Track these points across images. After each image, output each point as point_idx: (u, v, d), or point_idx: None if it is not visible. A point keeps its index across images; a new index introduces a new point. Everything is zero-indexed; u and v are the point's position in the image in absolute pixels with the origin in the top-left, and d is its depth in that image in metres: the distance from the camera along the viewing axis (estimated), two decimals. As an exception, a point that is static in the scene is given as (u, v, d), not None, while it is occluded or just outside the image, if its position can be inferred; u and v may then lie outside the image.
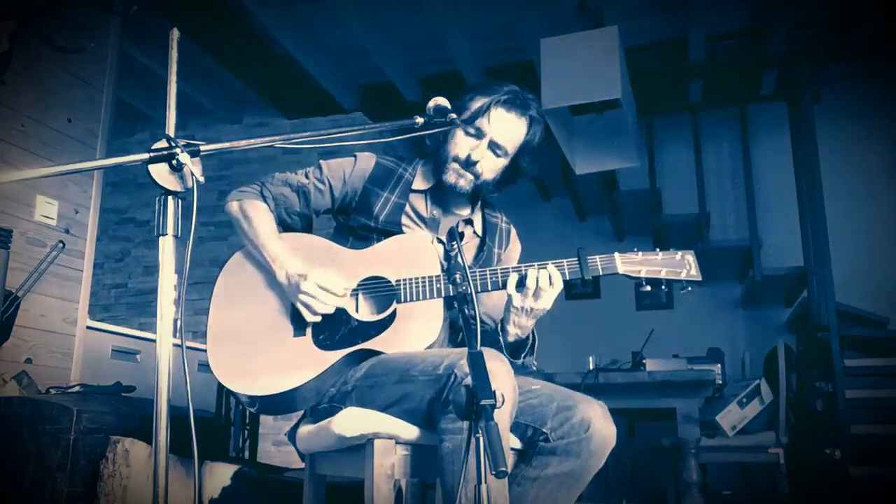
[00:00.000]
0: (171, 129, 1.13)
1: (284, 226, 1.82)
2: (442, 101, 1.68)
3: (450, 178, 1.77)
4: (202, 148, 1.12)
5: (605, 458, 1.58)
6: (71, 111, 3.06)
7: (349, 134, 1.41)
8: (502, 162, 1.79)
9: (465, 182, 1.77)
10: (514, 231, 1.99)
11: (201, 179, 1.10)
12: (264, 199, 1.80)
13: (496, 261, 1.91)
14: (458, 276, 1.45)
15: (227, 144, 1.20)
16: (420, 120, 1.65)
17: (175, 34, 1.17)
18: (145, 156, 1.08)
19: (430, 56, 4.78)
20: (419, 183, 1.84)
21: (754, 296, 5.40)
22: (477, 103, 1.75)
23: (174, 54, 1.16)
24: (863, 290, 4.70)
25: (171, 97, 1.15)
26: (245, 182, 1.86)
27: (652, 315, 5.72)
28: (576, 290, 5.94)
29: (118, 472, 2.06)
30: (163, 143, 1.09)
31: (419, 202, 1.82)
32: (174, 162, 1.09)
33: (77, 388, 2.49)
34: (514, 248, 1.97)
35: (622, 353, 4.09)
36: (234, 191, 1.82)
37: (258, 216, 1.75)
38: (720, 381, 3.87)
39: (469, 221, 1.86)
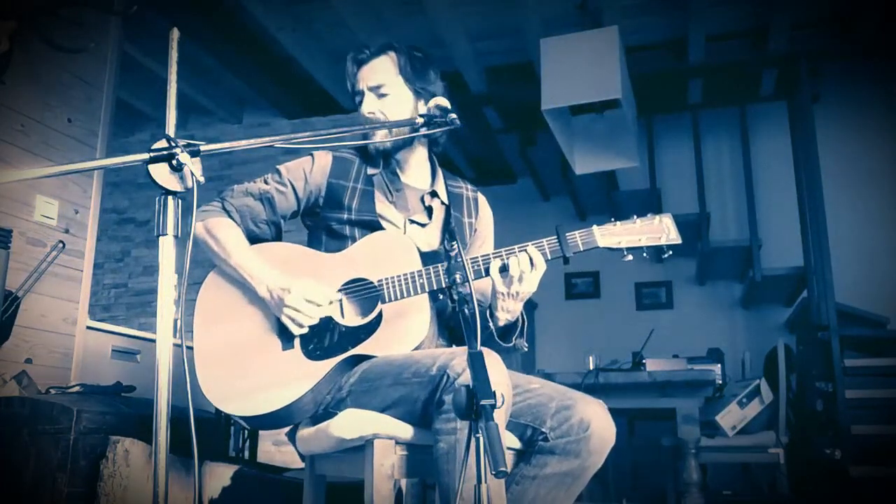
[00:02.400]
0: (171, 129, 1.13)
1: (253, 236, 1.79)
2: (442, 100, 1.69)
3: (372, 144, 1.81)
4: (202, 148, 1.12)
5: (605, 457, 1.58)
6: (71, 111, 3.05)
7: (349, 134, 1.42)
8: (392, 101, 1.80)
9: (377, 135, 1.80)
10: (482, 197, 1.98)
11: (201, 179, 1.10)
12: (228, 213, 1.77)
13: (469, 231, 1.90)
14: (458, 275, 1.45)
15: (227, 144, 1.20)
16: (420, 120, 1.65)
17: (175, 34, 1.17)
18: (145, 156, 1.08)
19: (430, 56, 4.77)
20: (371, 169, 1.84)
21: (754, 296, 5.40)
22: (349, 78, 1.85)
23: (174, 54, 1.16)
24: (863, 290, 4.71)
25: (171, 97, 1.15)
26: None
27: (652, 315, 5.73)
28: (576, 289, 5.95)
29: (118, 472, 2.06)
30: (163, 143, 1.09)
31: (382, 183, 1.82)
32: (174, 162, 1.09)
33: (77, 388, 2.48)
34: (486, 214, 1.96)
35: (622, 353, 4.10)
36: (197, 211, 1.77)
37: (225, 234, 1.73)
38: (720, 381, 3.87)
39: (434, 193, 1.85)
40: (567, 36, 3.78)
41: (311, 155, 1.84)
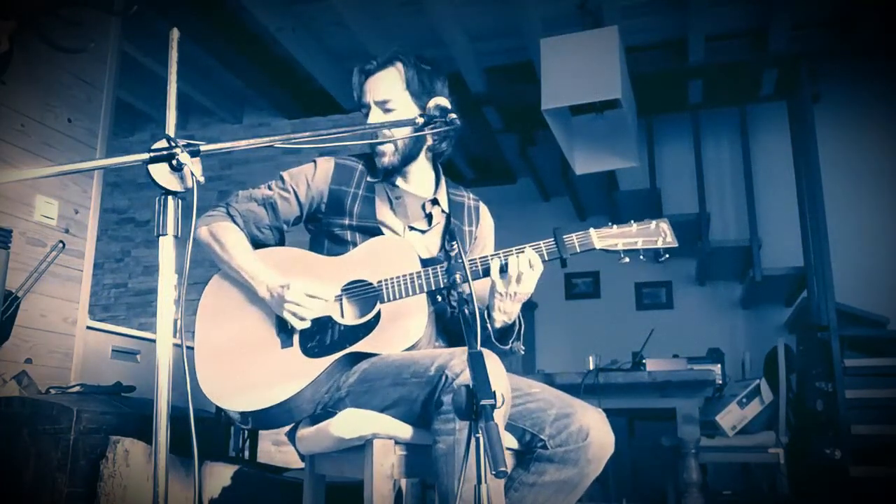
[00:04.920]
0: (171, 129, 1.13)
1: (256, 241, 1.81)
2: (442, 100, 1.68)
3: (378, 160, 1.81)
4: (202, 148, 1.12)
5: (604, 466, 1.59)
6: (71, 111, 3.05)
7: (349, 134, 1.41)
8: (398, 116, 1.78)
9: (387, 154, 1.79)
10: (483, 207, 1.98)
11: (201, 179, 1.10)
12: (232, 218, 1.79)
13: (469, 239, 1.90)
14: (458, 275, 1.45)
15: (227, 144, 1.20)
16: (420, 120, 1.65)
17: (175, 34, 1.17)
18: (145, 156, 1.08)
19: (430, 56, 4.77)
20: (372, 177, 1.84)
21: (754, 296, 5.40)
22: (354, 89, 1.84)
23: (174, 54, 1.17)
24: (863, 290, 4.70)
25: (171, 97, 1.15)
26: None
27: (652, 315, 5.72)
28: (576, 289, 5.95)
29: (118, 472, 2.06)
30: (163, 143, 1.09)
31: (382, 191, 1.83)
32: (174, 162, 1.09)
33: (77, 388, 2.48)
34: (486, 223, 1.97)
35: (622, 353, 4.10)
36: (202, 216, 1.81)
37: (229, 238, 1.75)
38: (720, 381, 3.87)
39: (435, 201, 1.86)
40: (567, 36, 3.78)
41: (314, 161, 1.86)
